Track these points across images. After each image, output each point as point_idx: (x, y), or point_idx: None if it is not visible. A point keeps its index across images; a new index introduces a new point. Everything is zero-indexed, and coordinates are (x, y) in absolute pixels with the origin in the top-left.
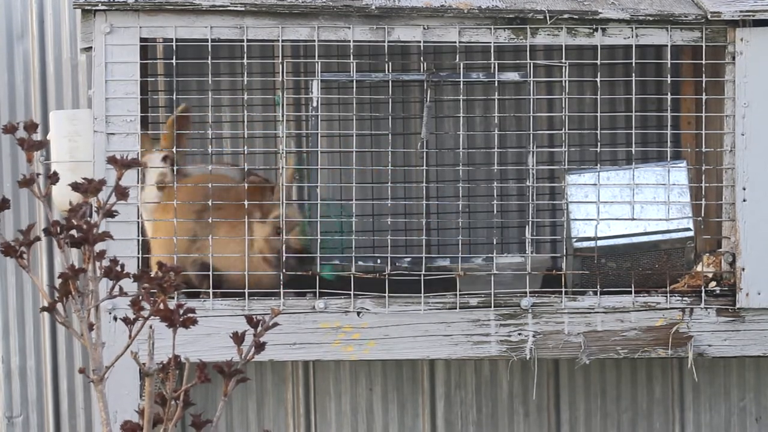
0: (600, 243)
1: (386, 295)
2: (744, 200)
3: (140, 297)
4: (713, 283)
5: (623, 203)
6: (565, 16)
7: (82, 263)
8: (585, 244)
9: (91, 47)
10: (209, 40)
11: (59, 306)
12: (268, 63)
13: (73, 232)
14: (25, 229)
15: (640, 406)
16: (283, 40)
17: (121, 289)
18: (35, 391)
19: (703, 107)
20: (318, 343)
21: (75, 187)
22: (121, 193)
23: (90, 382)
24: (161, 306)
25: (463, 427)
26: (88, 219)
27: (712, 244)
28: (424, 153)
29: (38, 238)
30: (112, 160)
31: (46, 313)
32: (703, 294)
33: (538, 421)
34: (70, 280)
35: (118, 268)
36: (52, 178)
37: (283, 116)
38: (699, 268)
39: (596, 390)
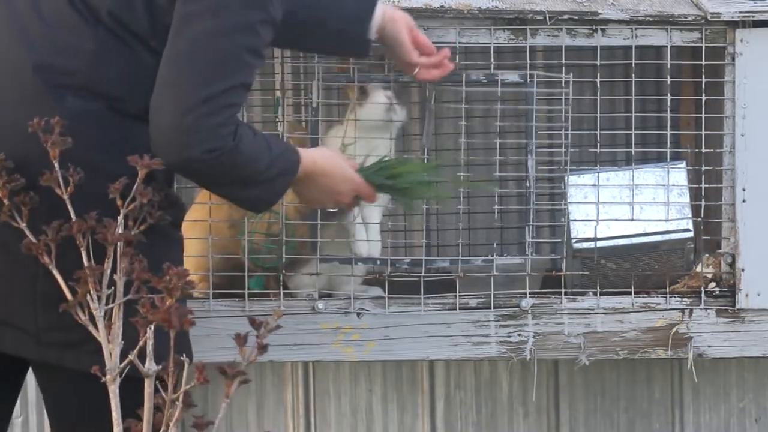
0: (600, 244)
1: (386, 296)
2: (744, 201)
3: (152, 299)
4: (713, 284)
5: (623, 204)
6: (565, 16)
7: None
8: (585, 245)
9: None
10: None
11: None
12: (268, 63)
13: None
14: (51, 226)
15: (639, 407)
16: None
17: (140, 288)
18: (35, 391)
19: (703, 108)
20: (318, 344)
21: None
22: (141, 193)
23: (102, 382)
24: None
25: (463, 428)
26: (109, 219)
27: (712, 244)
28: (425, 155)
29: (64, 236)
30: (134, 161)
31: None
32: (702, 295)
33: (538, 421)
34: (89, 279)
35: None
36: (74, 176)
37: (283, 117)
38: (698, 268)
39: (596, 391)
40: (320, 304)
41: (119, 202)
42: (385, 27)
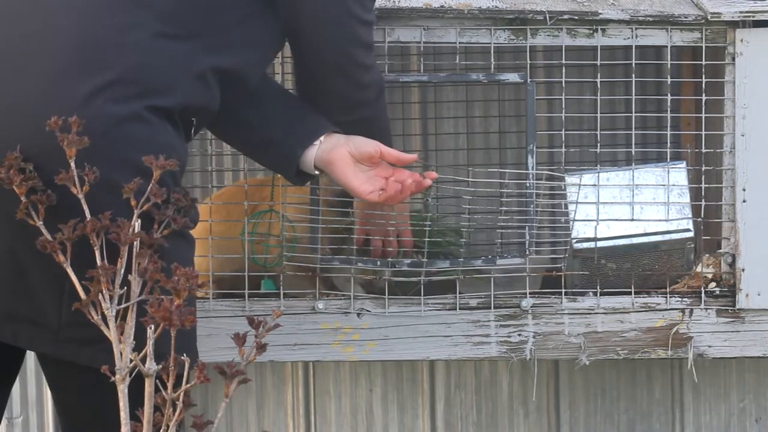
0: (600, 244)
1: (386, 296)
2: (744, 201)
3: (161, 299)
4: (713, 284)
5: (623, 204)
6: (565, 16)
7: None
8: (585, 245)
9: None
10: None
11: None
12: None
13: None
14: (68, 225)
15: (639, 407)
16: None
17: (153, 288)
18: (35, 391)
19: (703, 108)
20: (318, 344)
21: None
22: (155, 194)
23: (111, 381)
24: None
25: (463, 428)
26: (123, 219)
27: (712, 244)
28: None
29: (80, 235)
30: (148, 161)
31: None
32: (702, 295)
33: (538, 421)
34: (102, 279)
35: (152, 268)
36: (90, 176)
37: None
38: (699, 268)
39: (596, 391)
40: (320, 304)
41: (133, 203)
42: (324, 170)
